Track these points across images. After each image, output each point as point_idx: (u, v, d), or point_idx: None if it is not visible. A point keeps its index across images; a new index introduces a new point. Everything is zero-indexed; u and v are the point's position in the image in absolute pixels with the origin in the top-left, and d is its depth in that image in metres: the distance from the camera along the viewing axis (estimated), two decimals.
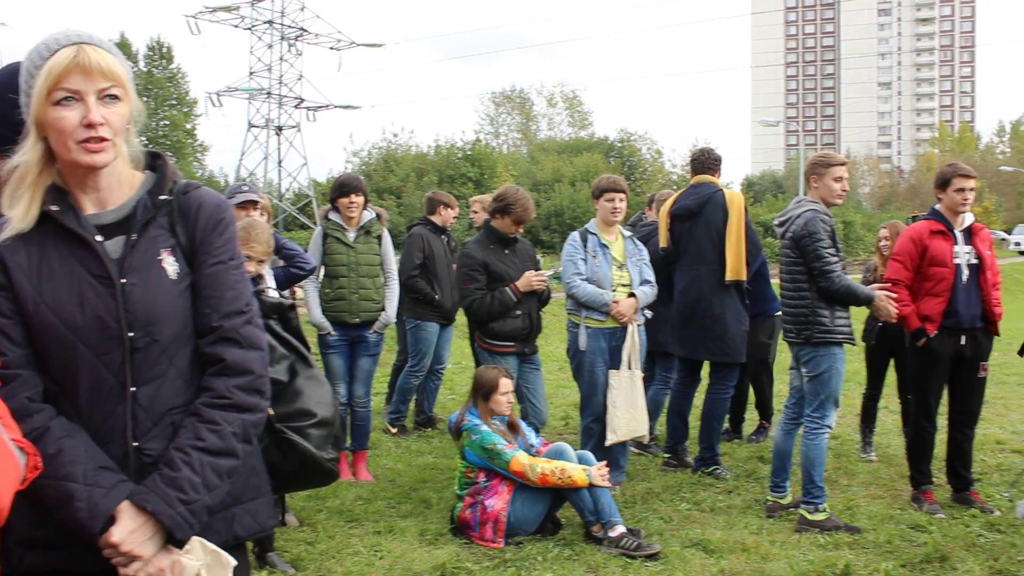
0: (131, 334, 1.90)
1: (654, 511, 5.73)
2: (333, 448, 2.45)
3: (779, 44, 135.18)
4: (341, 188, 6.37)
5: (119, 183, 2.00)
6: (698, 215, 6.54)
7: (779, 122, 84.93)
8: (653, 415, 6.99)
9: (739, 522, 5.51)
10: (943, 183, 5.81)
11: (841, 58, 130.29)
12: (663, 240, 6.80)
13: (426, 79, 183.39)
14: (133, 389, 1.91)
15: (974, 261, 5.71)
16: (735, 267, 6.44)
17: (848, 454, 7.25)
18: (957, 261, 5.68)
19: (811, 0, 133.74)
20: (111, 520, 1.83)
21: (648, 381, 6.92)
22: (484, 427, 5.26)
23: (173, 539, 1.88)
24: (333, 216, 6.39)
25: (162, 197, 2.01)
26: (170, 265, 1.98)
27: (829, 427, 5.52)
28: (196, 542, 1.93)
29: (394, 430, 7.98)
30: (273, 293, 5.03)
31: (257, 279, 4.73)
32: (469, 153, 44.74)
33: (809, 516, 5.40)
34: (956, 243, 5.72)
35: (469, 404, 5.44)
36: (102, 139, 1.87)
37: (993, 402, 8.95)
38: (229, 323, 2.00)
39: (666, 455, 6.91)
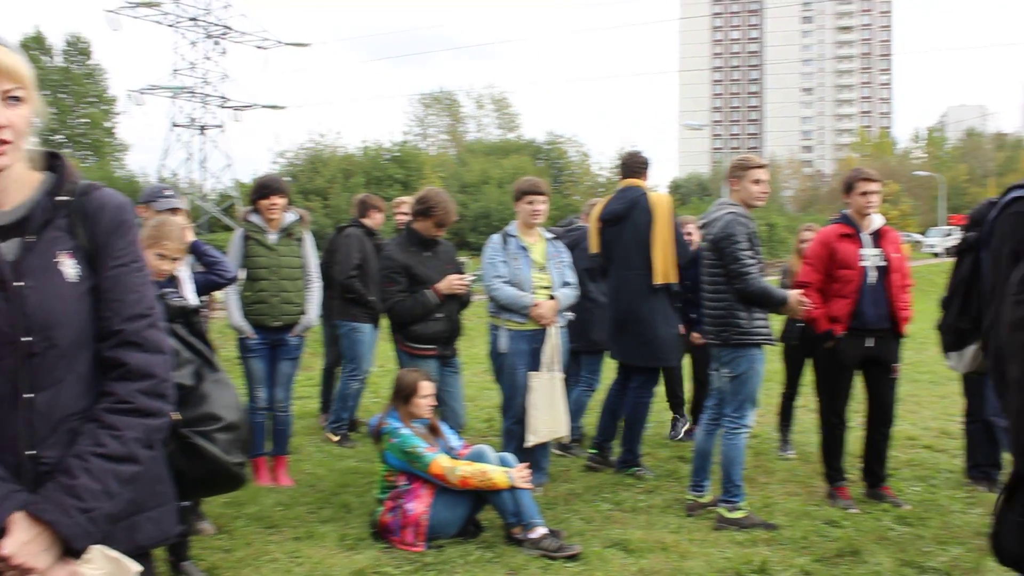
0: (28, 339, 1.84)
1: (575, 512, 5.76)
2: (241, 453, 2.42)
3: (706, 49, 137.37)
4: (262, 190, 6.28)
5: (16, 184, 1.93)
6: (625, 219, 6.54)
7: (705, 126, 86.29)
8: (575, 416, 7.02)
9: (659, 521, 5.57)
10: (848, 187, 5.97)
11: (766, 64, 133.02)
12: (593, 246, 6.80)
13: (353, 80, 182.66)
14: (30, 395, 1.85)
15: (882, 263, 5.85)
16: (663, 270, 6.43)
17: (767, 452, 7.39)
18: (864, 263, 5.81)
19: (738, 7, 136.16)
20: (2, 532, 1.77)
21: (571, 382, 6.96)
22: (404, 430, 5.23)
23: (71, 549, 1.82)
24: (254, 218, 6.29)
25: (60, 198, 1.95)
26: (70, 268, 1.92)
27: (748, 427, 5.61)
28: (96, 550, 1.88)
29: (336, 438, 7.73)
30: (190, 297, 4.94)
31: (172, 280, 4.65)
32: (397, 155, 44.60)
33: (727, 514, 5.48)
34: (863, 246, 5.86)
35: (390, 408, 5.40)
36: (4, 142, 1.81)
37: (906, 400, 9.20)
38: (131, 327, 1.95)
39: (592, 450, 6.95)
